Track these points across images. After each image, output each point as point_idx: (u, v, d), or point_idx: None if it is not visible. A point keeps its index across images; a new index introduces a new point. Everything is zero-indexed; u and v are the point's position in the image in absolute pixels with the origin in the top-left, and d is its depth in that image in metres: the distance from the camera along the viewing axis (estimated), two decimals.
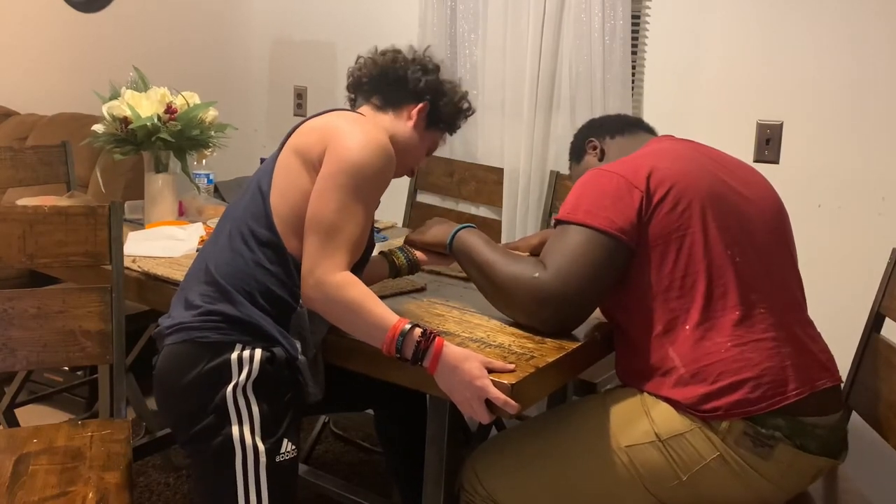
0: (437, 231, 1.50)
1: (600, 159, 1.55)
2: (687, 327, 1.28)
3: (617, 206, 1.30)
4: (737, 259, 1.30)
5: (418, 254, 1.53)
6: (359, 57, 1.50)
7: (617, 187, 1.31)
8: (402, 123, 1.44)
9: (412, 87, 1.44)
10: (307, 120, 1.39)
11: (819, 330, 1.40)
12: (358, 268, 1.31)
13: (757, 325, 1.29)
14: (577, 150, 1.62)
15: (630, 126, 1.58)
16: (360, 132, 1.29)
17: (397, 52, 1.47)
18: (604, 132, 1.57)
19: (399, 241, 1.90)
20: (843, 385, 1.37)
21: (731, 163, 1.44)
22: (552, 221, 1.40)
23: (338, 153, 1.27)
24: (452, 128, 1.52)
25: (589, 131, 1.61)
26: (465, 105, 1.51)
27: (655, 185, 1.31)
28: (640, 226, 1.30)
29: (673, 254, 1.29)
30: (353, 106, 1.50)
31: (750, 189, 1.40)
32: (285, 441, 1.28)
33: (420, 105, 1.44)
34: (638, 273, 1.32)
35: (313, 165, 1.30)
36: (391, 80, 1.45)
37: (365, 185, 1.27)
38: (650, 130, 1.59)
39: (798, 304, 1.39)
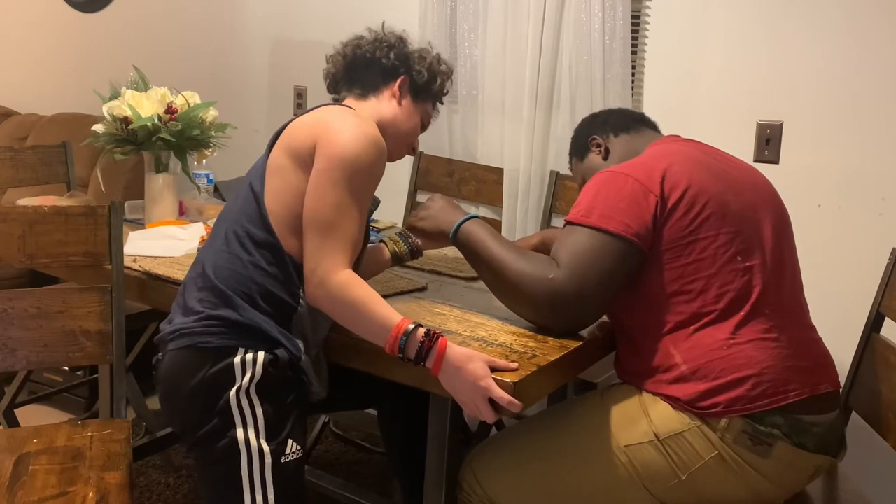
0: (440, 220, 1.46)
1: (605, 158, 1.53)
2: (692, 328, 1.29)
3: (633, 210, 1.29)
4: (746, 264, 1.30)
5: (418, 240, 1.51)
6: (327, 57, 1.50)
7: (632, 191, 1.30)
8: (387, 104, 1.43)
9: (383, 65, 1.44)
10: (294, 119, 1.38)
11: (819, 330, 1.41)
12: (355, 261, 1.30)
13: (761, 325, 1.29)
14: (580, 147, 1.59)
15: (635, 122, 1.56)
16: (350, 126, 1.28)
17: (359, 37, 1.48)
18: (608, 129, 1.55)
19: None
20: (841, 390, 1.37)
21: (737, 165, 1.43)
22: (563, 223, 1.38)
23: (329, 149, 1.26)
24: (436, 94, 1.50)
25: (592, 128, 1.57)
26: (443, 67, 1.50)
27: (670, 188, 1.30)
28: (654, 230, 1.29)
29: (684, 258, 1.29)
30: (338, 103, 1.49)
31: (757, 193, 1.39)
32: (290, 441, 1.27)
33: (398, 81, 1.44)
34: (648, 276, 1.31)
35: (305, 163, 1.29)
36: (362, 66, 1.45)
37: (358, 179, 1.26)
38: (654, 127, 1.57)
39: (801, 308, 1.39)
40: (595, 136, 1.55)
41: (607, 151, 1.53)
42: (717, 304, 1.28)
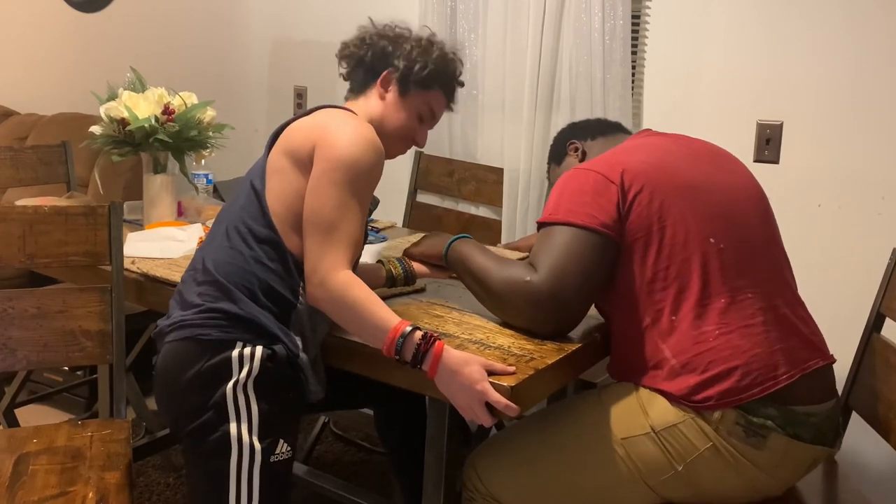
0: (433, 242, 1.51)
1: (582, 160, 1.56)
2: (674, 318, 1.29)
3: (597, 201, 1.31)
4: (720, 246, 1.31)
5: (416, 265, 1.54)
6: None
7: (594, 183, 1.32)
8: (374, 102, 1.44)
9: (366, 64, 1.45)
10: (293, 121, 1.39)
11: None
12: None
13: (745, 311, 1.29)
14: (558, 153, 1.64)
15: (610, 128, 1.60)
16: (348, 129, 1.29)
17: (345, 42, 1.49)
18: (585, 134, 1.59)
19: (399, 242, 1.90)
20: (835, 366, 1.37)
21: (711, 151, 1.45)
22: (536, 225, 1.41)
23: (328, 151, 1.28)
24: (426, 81, 1.43)
25: (570, 134, 1.62)
26: (435, 53, 1.43)
27: (630, 180, 1.32)
28: (620, 220, 1.30)
29: (654, 246, 1.30)
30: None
31: (731, 176, 1.41)
32: (281, 442, 1.28)
33: (381, 77, 1.43)
34: (622, 268, 1.32)
35: (304, 165, 1.30)
36: (354, 66, 1.47)
37: (358, 181, 1.27)
38: (629, 133, 1.60)
39: (787, 286, 1.39)
40: (573, 141, 1.60)
41: (584, 154, 1.57)
42: (693, 288, 1.28)
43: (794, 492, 1.41)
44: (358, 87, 1.46)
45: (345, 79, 1.51)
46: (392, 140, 1.45)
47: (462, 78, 1.52)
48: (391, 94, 1.43)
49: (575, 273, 1.29)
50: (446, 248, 1.47)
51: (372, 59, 1.44)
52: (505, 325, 1.40)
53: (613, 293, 1.35)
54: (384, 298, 1.42)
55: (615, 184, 1.31)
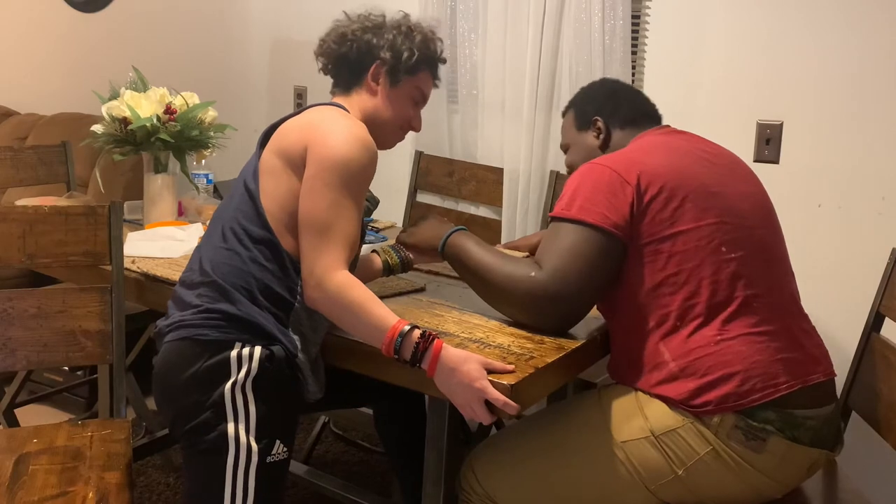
0: (428, 234, 1.49)
1: (601, 146, 1.51)
2: (678, 323, 1.29)
3: (611, 201, 1.30)
4: (731, 255, 1.30)
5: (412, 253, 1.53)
6: (315, 55, 1.48)
7: (610, 181, 1.31)
8: (367, 97, 1.42)
9: (351, 61, 1.43)
10: (284, 120, 1.39)
11: (819, 330, 1.40)
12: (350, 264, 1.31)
13: (750, 320, 1.29)
14: (584, 117, 1.55)
15: (645, 118, 1.51)
16: (340, 129, 1.29)
17: (328, 33, 1.45)
18: (616, 120, 1.51)
19: None
20: (835, 378, 1.37)
21: (725, 157, 1.44)
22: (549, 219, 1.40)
23: (321, 152, 1.27)
24: (413, 67, 1.42)
25: (604, 108, 1.52)
26: (417, 38, 1.41)
27: (647, 182, 1.31)
28: (632, 222, 1.30)
29: (666, 250, 1.29)
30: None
31: (744, 184, 1.40)
32: (278, 443, 1.28)
33: (370, 71, 1.42)
34: (631, 270, 1.32)
35: (297, 166, 1.30)
36: (338, 63, 1.44)
37: (351, 181, 1.27)
38: (657, 122, 1.54)
39: (793, 298, 1.39)
40: (600, 119, 1.51)
41: (605, 142, 1.51)
42: (702, 296, 1.28)
43: (795, 492, 1.41)
44: (346, 83, 1.44)
45: (326, 74, 1.47)
46: (389, 130, 1.44)
47: (444, 55, 1.49)
48: (382, 86, 1.42)
49: (579, 273, 1.29)
50: (442, 243, 1.45)
51: (358, 54, 1.42)
52: (505, 323, 1.40)
53: (620, 294, 1.34)
54: (384, 297, 1.43)
55: (631, 185, 1.30)
